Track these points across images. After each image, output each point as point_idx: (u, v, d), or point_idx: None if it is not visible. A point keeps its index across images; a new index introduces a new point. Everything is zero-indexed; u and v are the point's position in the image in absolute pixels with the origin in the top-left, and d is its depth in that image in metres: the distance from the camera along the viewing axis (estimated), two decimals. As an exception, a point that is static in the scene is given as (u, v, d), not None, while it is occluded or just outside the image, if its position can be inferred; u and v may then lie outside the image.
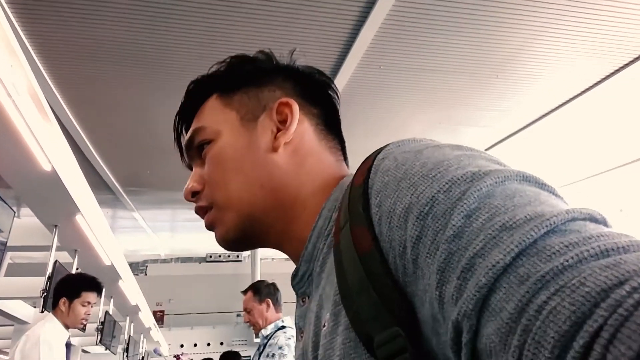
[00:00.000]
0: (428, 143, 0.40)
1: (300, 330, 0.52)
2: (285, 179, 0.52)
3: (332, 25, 2.89)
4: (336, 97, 0.60)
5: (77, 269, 5.81)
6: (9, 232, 3.60)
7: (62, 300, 2.50)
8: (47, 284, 4.69)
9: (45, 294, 4.66)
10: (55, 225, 4.66)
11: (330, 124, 0.58)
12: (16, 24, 2.69)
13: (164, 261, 12.69)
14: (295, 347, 0.55)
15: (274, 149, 0.52)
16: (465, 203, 0.30)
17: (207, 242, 8.86)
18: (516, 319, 0.24)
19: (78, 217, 4.44)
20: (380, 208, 0.36)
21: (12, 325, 8.95)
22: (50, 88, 3.31)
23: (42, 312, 4.75)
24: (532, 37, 3.11)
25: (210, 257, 12.37)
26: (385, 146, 0.43)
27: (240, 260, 12.43)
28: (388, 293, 0.34)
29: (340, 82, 3.47)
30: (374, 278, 0.35)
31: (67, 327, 2.51)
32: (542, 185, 0.32)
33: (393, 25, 2.91)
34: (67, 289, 2.54)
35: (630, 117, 4.23)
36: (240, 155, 0.52)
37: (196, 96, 0.58)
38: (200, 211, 0.55)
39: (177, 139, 0.60)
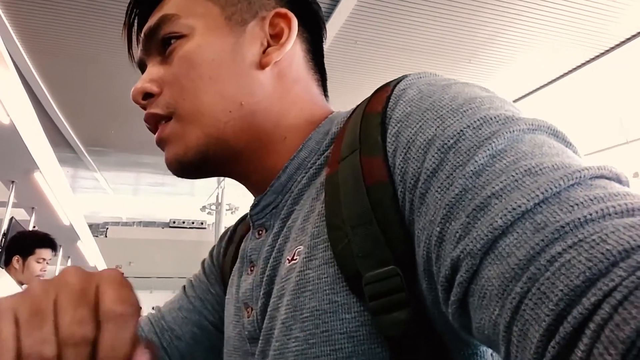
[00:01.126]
0: (453, 79, 0.37)
1: (250, 264, 0.47)
2: (268, 101, 0.45)
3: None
4: (324, 28, 0.53)
5: (34, 226, 5.65)
6: (-38, 186, 3.44)
7: (16, 257, 2.42)
8: (2, 240, 4.55)
9: (1, 249, 4.54)
10: (12, 181, 4.50)
11: (317, 55, 0.53)
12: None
13: (126, 224, 12.49)
14: (239, 281, 0.49)
15: (261, 66, 0.45)
16: (493, 143, 0.28)
17: (171, 208, 8.75)
18: (524, 266, 0.23)
19: (36, 174, 4.29)
20: (397, 138, 0.34)
21: (-37, 281, 8.64)
22: (10, 34, 3.13)
23: (-4, 269, 4.63)
24: (507, 24, 3.15)
25: (174, 222, 12.22)
26: (402, 76, 0.40)
27: (205, 228, 12.35)
28: (392, 229, 0.32)
29: (316, 54, 3.43)
30: (380, 211, 0.33)
31: (21, 283, 2.45)
32: (568, 144, 0.31)
33: (371, 0, 2.88)
34: (20, 247, 2.45)
35: (602, 105, 4.38)
36: (220, 61, 0.44)
37: None
38: (152, 120, 0.45)
39: (129, 25, 0.50)
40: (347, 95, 4.18)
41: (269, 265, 0.43)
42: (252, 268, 0.47)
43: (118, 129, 4.86)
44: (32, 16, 2.99)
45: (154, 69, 0.45)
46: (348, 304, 0.34)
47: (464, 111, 0.31)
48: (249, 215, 0.49)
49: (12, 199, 4.62)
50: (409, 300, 0.31)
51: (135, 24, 0.50)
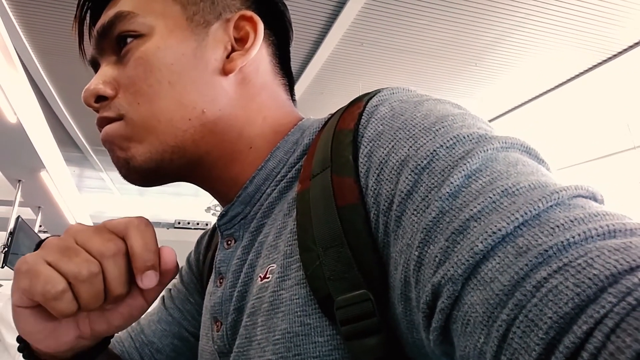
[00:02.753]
0: (426, 95, 0.37)
1: (219, 275, 0.46)
2: (231, 109, 0.43)
3: (318, -3, 2.84)
4: (291, 30, 0.51)
5: (40, 226, 5.68)
6: (-31, 184, 3.46)
7: None
8: (8, 239, 4.59)
9: (6, 249, 4.56)
10: (19, 180, 4.53)
11: (283, 58, 0.50)
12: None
13: (131, 224, 12.48)
14: (209, 291, 0.48)
15: (225, 72, 0.43)
16: (467, 162, 0.28)
17: (176, 209, 8.76)
18: (509, 292, 0.22)
19: (43, 174, 4.32)
20: (370, 158, 0.33)
21: (-31, 279, 8.72)
22: (18, 34, 3.15)
23: (3, 267, 4.65)
24: (513, 27, 3.13)
25: (179, 223, 12.26)
26: (375, 91, 0.39)
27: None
28: (364, 252, 0.31)
29: (322, 56, 3.42)
30: (352, 234, 0.32)
31: None
32: (541, 161, 0.31)
33: (379, 2, 2.87)
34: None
35: (609, 110, 4.35)
36: (181, 65, 0.41)
37: None
38: (104, 123, 0.43)
39: (80, 19, 0.47)
40: (352, 97, 4.16)
41: (240, 280, 0.42)
42: (220, 280, 0.45)
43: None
44: (40, 16, 3.01)
45: (107, 70, 0.42)
46: (320, 327, 0.33)
47: (437, 130, 0.31)
48: (217, 225, 0.47)
49: (18, 198, 4.65)
50: (380, 326, 0.30)
51: (88, 19, 0.47)
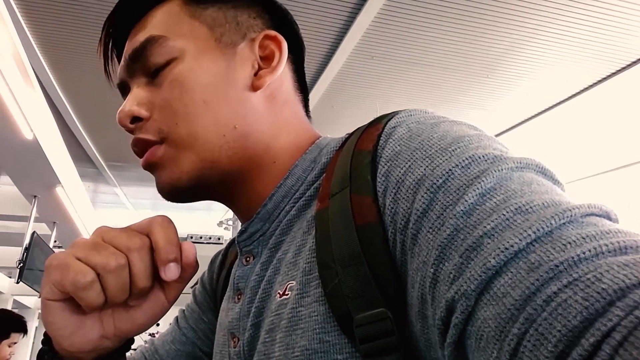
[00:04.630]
0: (443, 117, 0.38)
1: (237, 291, 0.46)
2: (260, 124, 0.45)
3: (328, 12, 2.87)
4: (304, 48, 0.53)
5: (55, 241, 5.74)
6: (-13, 200, 3.52)
7: None
8: (23, 254, 4.65)
9: (22, 264, 4.62)
10: (35, 196, 4.60)
11: (301, 74, 0.53)
12: (3, -14, 2.61)
13: (145, 239, 12.57)
14: (224, 308, 0.49)
15: (254, 88, 0.45)
16: (482, 181, 0.28)
17: (189, 223, 8.81)
18: (520, 307, 0.23)
19: (58, 189, 4.38)
20: (387, 178, 0.34)
21: (-14, 294, 8.82)
22: (35, 52, 3.22)
23: (18, 282, 4.70)
24: (524, 38, 3.12)
25: (191, 237, 12.32)
26: (393, 113, 0.40)
27: (222, 243, 12.38)
28: (382, 271, 0.32)
29: (333, 69, 3.45)
30: (371, 252, 0.33)
31: None
32: (556, 181, 0.31)
33: (389, 15, 2.89)
34: None
35: (619, 122, 4.30)
36: (214, 84, 0.43)
37: None
38: (141, 144, 0.44)
39: (105, 43, 0.49)
40: (364, 109, 4.19)
41: (257, 296, 0.42)
42: (239, 296, 0.46)
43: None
44: (57, 33, 3.08)
45: (140, 92, 0.44)
46: (339, 345, 0.33)
47: (453, 150, 0.32)
48: (236, 242, 0.48)
49: (34, 214, 4.71)
50: (399, 344, 0.30)
51: (111, 41, 0.49)
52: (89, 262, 0.35)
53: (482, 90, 3.85)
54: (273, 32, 0.46)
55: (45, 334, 0.41)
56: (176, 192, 0.44)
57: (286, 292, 0.39)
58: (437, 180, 0.30)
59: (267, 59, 0.46)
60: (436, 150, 0.32)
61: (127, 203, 7.18)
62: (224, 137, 0.43)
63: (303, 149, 0.47)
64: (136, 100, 0.44)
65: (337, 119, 4.23)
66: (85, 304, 0.35)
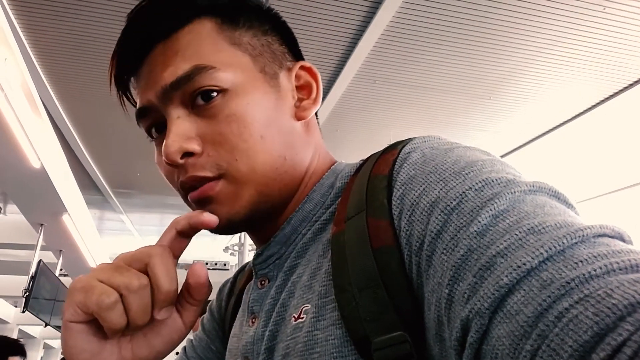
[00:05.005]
0: (456, 143, 0.39)
1: (252, 315, 0.46)
2: (304, 153, 0.46)
3: (330, 37, 2.92)
4: None
5: (61, 269, 5.73)
6: (-7, 229, 3.54)
7: None
8: (30, 283, 4.64)
9: (28, 293, 4.59)
10: (41, 224, 4.62)
11: None
12: (12, 17, 2.68)
13: (150, 266, 12.50)
14: (241, 333, 0.49)
15: (298, 118, 0.46)
16: (495, 203, 0.29)
17: (194, 249, 8.78)
18: (533, 324, 0.23)
19: (65, 217, 4.40)
20: (402, 201, 0.35)
21: (-9, 324, 8.76)
22: (43, 82, 3.28)
23: (23, 312, 4.67)
24: (526, 60, 3.15)
25: (197, 263, 12.21)
26: (407, 139, 0.41)
27: (227, 269, 12.32)
28: (399, 293, 0.32)
29: (335, 94, 3.49)
30: (387, 275, 0.33)
31: None
32: (570, 205, 0.32)
33: (390, 40, 2.94)
34: None
35: (623, 142, 4.29)
36: (268, 119, 0.43)
37: (176, 12, 0.43)
38: (196, 182, 0.42)
39: (118, 65, 0.45)
40: (367, 133, 4.21)
41: (272, 319, 0.42)
42: (253, 320, 0.46)
43: (143, 172, 4.98)
44: (64, 64, 3.14)
45: (185, 124, 0.41)
46: None
47: (466, 174, 0.32)
48: (252, 265, 0.49)
49: (40, 242, 4.71)
50: None
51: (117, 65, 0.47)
52: (112, 283, 0.35)
53: (486, 112, 3.87)
54: (307, 64, 0.48)
55: None
56: (232, 226, 0.43)
57: (301, 316, 0.39)
58: (451, 202, 0.31)
59: (301, 89, 0.48)
60: (450, 174, 0.33)
61: (133, 230, 7.18)
62: (277, 170, 0.43)
63: (322, 174, 0.48)
64: (184, 134, 0.41)
65: (341, 142, 4.25)
66: (108, 326, 0.35)
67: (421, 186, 0.34)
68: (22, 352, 2.53)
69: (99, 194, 5.55)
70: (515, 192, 0.30)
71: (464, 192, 0.31)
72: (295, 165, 0.45)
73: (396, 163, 0.38)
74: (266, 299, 0.45)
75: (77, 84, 3.34)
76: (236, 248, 7.02)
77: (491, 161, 0.34)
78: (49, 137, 3.42)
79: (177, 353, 0.64)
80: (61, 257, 5.49)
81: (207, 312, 0.64)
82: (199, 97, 0.41)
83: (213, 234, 0.46)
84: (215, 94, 0.41)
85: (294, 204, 0.47)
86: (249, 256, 7.14)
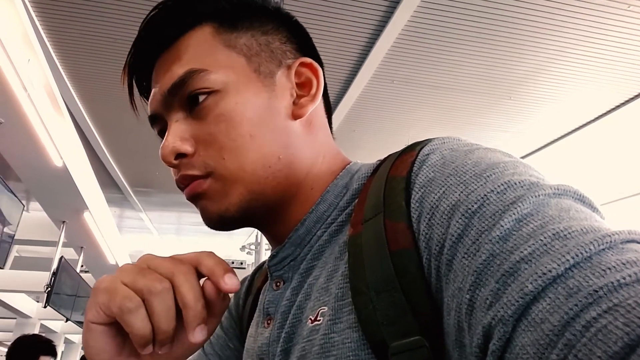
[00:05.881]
0: (476, 144, 0.38)
1: (267, 316, 0.46)
2: (302, 152, 0.45)
3: (348, 37, 2.91)
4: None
5: (81, 265, 5.84)
6: (17, 226, 3.62)
7: None
8: (51, 279, 4.74)
9: (49, 289, 4.70)
10: (63, 221, 4.71)
11: (326, 98, 0.52)
12: (35, 19, 2.74)
13: (168, 263, 12.67)
14: (257, 334, 0.48)
15: (295, 117, 0.45)
16: (518, 207, 0.28)
17: (211, 248, 8.86)
18: (559, 333, 0.22)
19: (86, 214, 4.48)
20: (421, 203, 0.34)
21: (15, 318, 9.00)
22: (65, 83, 3.35)
23: (45, 307, 4.78)
24: (548, 59, 3.09)
25: (214, 262, 12.31)
26: (426, 140, 0.40)
27: (244, 268, 12.40)
28: (417, 297, 0.32)
29: (353, 94, 3.47)
30: (405, 278, 0.33)
31: None
32: (595, 209, 0.31)
33: (408, 39, 2.92)
34: (24, 353, 2.44)
35: (645, 145, 4.18)
36: (259, 117, 0.43)
37: (179, 21, 0.44)
38: (188, 181, 0.44)
39: (129, 74, 0.48)
40: (385, 134, 4.18)
41: (287, 321, 0.42)
42: (268, 321, 0.46)
43: (162, 171, 5.04)
44: (86, 65, 3.20)
45: (181, 126, 0.43)
46: None
47: (487, 176, 0.32)
48: (267, 266, 0.48)
49: (62, 239, 4.81)
50: None
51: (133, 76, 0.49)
52: (135, 287, 0.35)
53: (506, 113, 3.81)
54: (308, 60, 0.47)
55: (82, 358, 0.41)
56: (223, 223, 0.44)
57: (318, 318, 0.39)
58: (472, 206, 0.30)
59: (302, 86, 0.47)
60: (471, 176, 0.32)
61: (152, 228, 7.28)
62: (269, 169, 0.43)
63: (335, 174, 0.48)
64: (178, 136, 0.43)
65: (358, 143, 4.23)
66: (132, 331, 0.34)
67: (441, 189, 0.33)
68: (53, 352, 2.57)
69: (119, 193, 5.65)
70: (539, 195, 0.29)
71: (485, 195, 0.30)
72: (291, 164, 0.44)
73: (415, 165, 0.37)
74: (281, 300, 0.45)
75: (98, 84, 3.40)
76: (253, 247, 7.06)
77: (513, 163, 0.33)
78: (70, 136, 3.49)
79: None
80: (82, 253, 5.60)
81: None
82: (193, 99, 0.42)
83: (230, 233, 0.47)
84: (205, 95, 0.42)
85: (301, 205, 0.46)
86: (265, 255, 7.17)
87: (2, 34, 2.19)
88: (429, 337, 0.31)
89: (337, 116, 3.72)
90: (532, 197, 0.29)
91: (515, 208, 0.28)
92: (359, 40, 2.93)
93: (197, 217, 0.46)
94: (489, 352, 0.25)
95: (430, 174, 0.35)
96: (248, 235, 7.33)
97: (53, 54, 3.06)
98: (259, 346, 0.46)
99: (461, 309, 0.28)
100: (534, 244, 0.26)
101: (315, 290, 0.41)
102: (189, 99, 0.43)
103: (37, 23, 2.77)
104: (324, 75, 0.51)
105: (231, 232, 0.46)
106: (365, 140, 4.19)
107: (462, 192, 0.32)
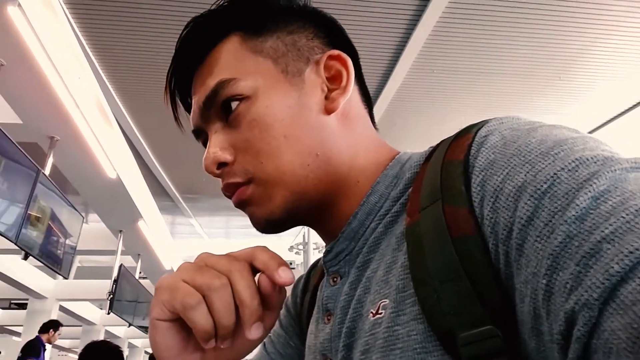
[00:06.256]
0: (538, 122, 0.36)
1: (327, 312, 0.46)
2: (339, 146, 0.45)
3: (384, 29, 2.86)
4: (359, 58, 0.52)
5: (140, 272, 6.09)
6: (78, 237, 3.82)
7: None
8: (113, 286, 4.97)
9: (112, 296, 4.94)
10: (120, 231, 4.93)
11: (363, 85, 0.51)
12: (82, 38, 2.87)
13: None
14: (317, 331, 0.49)
15: (327, 111, 0.45)
16: (594, 184, 0.27)
17: (261, 249, 9.01)
18: None
19: (140, 223, 4.67)
20: (483, 187, 0.33)
21: (81, 326, 9.51)
22: (112, 97, 3.50)
23: (108, 313, 5.02)
24: (599, 35, 2.93)
25: (264, 263, 12.53)
26: (482, 122, 0.39)
27: (294, 268, 12.54)
28: (485, 285, 0.31)
29: (392, 87, 3.43)
30: (470, 265, 0.31)
31: None
32: None
33: (447, 27, 2.84)
34: (96, 358, 2.56)
35: None
36: (291, 117, 0.43)
37: (209, 36, 0.46)
38: (232, 189, 0.45)
39: (171, 94, 0.49)
40: (427, 125, 4.10)
41: (348, 316, 0.42)
42: (328, 317, 0.46)
43: (208, 177, 5.17)
44: (131, 78, 3.34)
45: (219, 137, 0.45)
46: None
47: (556, 154, 0.30)
48: (322, 262, 0.48)
49: (120, 247, 5.04)
50: None
51: (176, 91, 0.50)
52: (194, 284, 0.36)
53: (556, 94, 3.64)
54: (335, 52, 0.46)
55: (150, 357, 0.42)
56: (271, 226, 0.45)
57: (379, 311, 0.38)
58: (542, 186, 0.29)
59: (333, 79, 0.46)
60: (536, 155, 0.31)
61: (202, 232, 7.49)
62: (308, 167, 0.43)
63: (383, 165, 0.47)
64: (217, 146, 0.44)
65: (399, 134, 4.17)
66: (195, 327, 0.35)
67: (504, 170, 0.32)
68: (121, 358, 2.69)
69: (169, 200, 5.84)
70: (615, 170, 0.27)
71: (555, 174, 0.28)
72: (329, 160, 0.44)
73: (472, 147, 0.36)
74: (340, 295, 0.45)
75: (143, 96, 3.53)
76: (301, 247, 7.11)
77: (582, 138, 0.31)
78: (122, 148, 3.64)
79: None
80: (140, 260, 5.84)
81: (283, 308, 0.64)
82: (227, 109, 0.44)
83: (278, 235, 0.47)
84: (237, 102, 0.43)
85: (348, 199, 0.46)
86: (313, 254, 7.23)
87: (54, 55, 2.31)
88: (501, 326, 0.29)
89: (377, 110, 3.68)
90: (607, 172, 0.27)
91: (591, 185, 0.27)
92: (395, 31, 2.88)
93: (245, 220, 0.47)
94: (573, 339, 0.24)
95: (490, 155, 0.34)
96: (295, 235, 7.39)
97: (100, 70, 3.20)
98: (320, 342, 0.46)
99: (537, 295, 0.27)
100: (615, 222, 0.24)
101: (375, 283, 0.41)
102: (223, 109, 0.44)
103: (84, 42, 2.90)
104: (359, 65, 0.51)
105: (279, 234, 0.47)
106: (406, 132, 4.12)
107: (528, 172, 0.30)
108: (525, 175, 0.30)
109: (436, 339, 0.33)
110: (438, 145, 0.43)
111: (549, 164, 0.29)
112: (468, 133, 0.38)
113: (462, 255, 0.32)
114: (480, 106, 3.79)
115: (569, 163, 0.29)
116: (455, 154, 0.37)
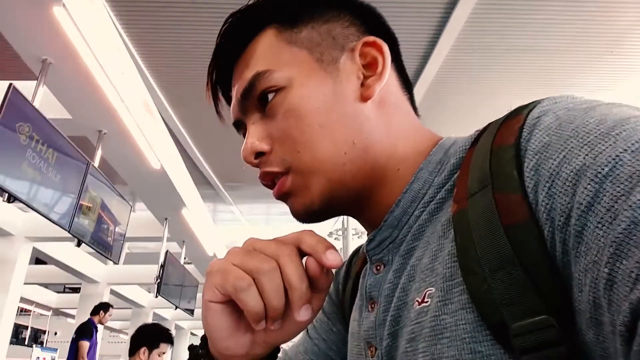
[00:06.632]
0: (595, 101, 0.34)
1: (370, 300, 0.46)
2: (377, 133, 0.44)
3: (424, 8, 2.78)
4: (398, 43, 0.51)
5: (184, 258, 6.29)
6: (127, 225, 3.98)
7: (143, 349, 2.67)
8: (160, 271, 5.17)
9: (159, 280, 5.14)
10: (166, 218, 5.10)
11: (402, 70, 0.50)
12: (124, 34, 2.95)
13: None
14: (361, 318, 0.49)
15: (363, 99, 0.44)
16: None
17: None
18: None
19: (184, 211, 4.81)
20: (537, 171, 0.31)
21: (131, 308, 9.97)
22: (154, 90, 3.59)
23: (156, 297, 5.23)
24: (656, 3, 2.73)
25: (304, 249, 12.72)
26: (533, 102, 0.37)
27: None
28: (540, 273, 0.29)
29: (433, 67, 3.34)
30: (523, 254, 0.30)
31: None
32: None
33: (488, 4, 2.72)
34: (148, 339, 2.70)
35: None
36: (326, 106, 0.43)
37: (246, 30, 0.47)
38: (269, 177, 0.45)
39: (213, 88, 0.50)
40: (469, 106, 3.98)
41: (392, 304, 0.42)
42: (372, 305, 0.46)
43: (248, 166, 5.25)
44: (171, 71, 3.41)
45: (257, 127, 0.45)
46: (494, 355, 0.31)
47: (617, 134, 0.28)
48: (365, 251, 0.48)
49: (166, 234, 5.22)
50: (569, 356, 0.28)
51: (217, 85, 0.51)
52: (245, 267, 0.37)
53: (608, 70, 3.44)
54: (371, 38, 0.45)
55: (202, 338, 0.45)
56: (311, 215, 0.45)
57: (425, 300, 0.38)
58: (602, 169, 0.27)
59: (370, 66, 0.45)
60: (596, 136, 0.29)
61: (243, 219, 7.64)
62: (345, 155, 0.43)
63: (425, 152, 0.46)
64: (255, 136, 0.45)
65: (439, 116, 4.07)
66: (247, 308, 0.36)
67: (560, 153, 0.30)
68: (171, 340, 2.84)
69: (211, 189, 5.98)
70: None
71: (617, 156, 0.27)
72: (367, 147, 0.44)
73: (524, 130, 0.34)
74: (384, 283, 0.44)
75: (184, 88, 3.60)
76: (340, 233, 7.13)
77: None
78: (164, 139, 3.74)
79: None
80: (184, 246, 6.04)
81: None
82: (264, 100, 0.44)
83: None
84: (273, 94, 0.43)
85: (389, 187, 0.45)
86: (352, 240, 7.24)
87: (98, 52, 2.38)
88: (556, 316, 0.28)
89: (417, 93, 3.58)
90: None
91: None
92: (436, 9, 2.79)
93: (285, 207, 0.47)
94: (638, 332, 0.23)
95: (544, 138, 0.32)
96: (335, 221, 7.42)
97: (142, 65, 3.28)
98: (364, 330, 0.46)
99: (598, 284, 0.26)
100: None
101: (420, 272, 0.40)
102: (260, 100, 0.44)
103: (125, 38, 2.98)
104: (397, 50, 0.49)
105: (300, 222, 0.47)
106: (448, 114, 4.02)
107: (587, 154, 0.28)
108: (584, 157, 0.28)
109: (486, 328, 0.32)
110: (485, 128, 0.41)
111: (610, 145, 0.28)
112: (519, 115, 0.36)
113: (514, 244, 0.31)
114: (526, 85, 3.64)
115: (632, 144, 0.27)
116: (505, 137, 0.35)
